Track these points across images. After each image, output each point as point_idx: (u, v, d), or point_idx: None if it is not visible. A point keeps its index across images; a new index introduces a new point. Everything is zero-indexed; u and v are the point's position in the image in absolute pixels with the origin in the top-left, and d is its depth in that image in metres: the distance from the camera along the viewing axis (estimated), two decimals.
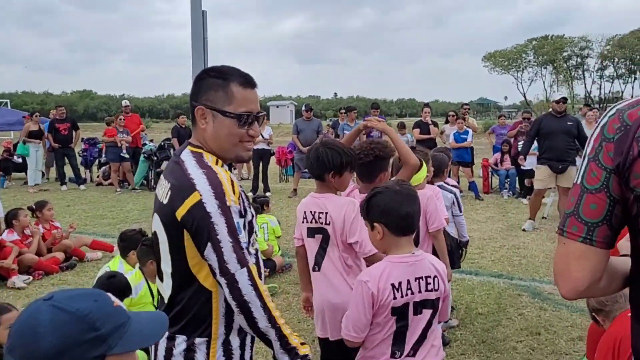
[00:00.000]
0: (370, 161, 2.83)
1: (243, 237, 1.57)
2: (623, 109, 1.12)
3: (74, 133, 11.86)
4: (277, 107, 65.02)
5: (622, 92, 60.65)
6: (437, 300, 2.03)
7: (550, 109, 7.60)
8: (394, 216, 1.99)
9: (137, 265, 4.14)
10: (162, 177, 1.70)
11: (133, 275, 3.99)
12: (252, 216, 1.69)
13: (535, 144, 7.73)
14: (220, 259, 1.52)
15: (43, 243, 6.09)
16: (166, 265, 1.63)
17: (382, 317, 1.98)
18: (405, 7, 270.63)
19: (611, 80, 60.75)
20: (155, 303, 4.07)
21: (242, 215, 1.60)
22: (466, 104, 12.25)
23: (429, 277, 2.01)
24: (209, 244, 1.51)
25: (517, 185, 10.49)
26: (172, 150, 12.02)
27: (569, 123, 7.23)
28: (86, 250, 6.40)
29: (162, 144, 12.27)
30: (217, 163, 1.63)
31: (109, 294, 1.12)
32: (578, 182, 1.16)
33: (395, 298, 1.96)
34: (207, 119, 1.64)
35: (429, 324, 2.02)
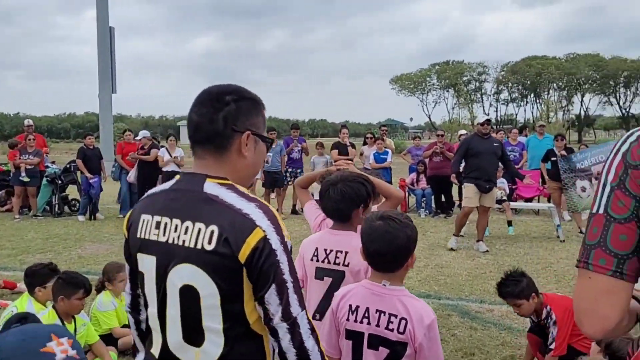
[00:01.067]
0: None
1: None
2: None
3: None
4: None
5: (516, 115, 65.53)
6: (399, 345, 1.87)
7: (468, 131, 7.93)
8: (364, 249, 1.95)
9: (49, 303, 3.74)
10: (169, 218, 1.42)
11: (46, 315, 3.58)
12: None
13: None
14: (285, 302, 1.33)
15: None
16: (213, 322, 1.37)
17: (340, 337, 1.95)
18: (316, 30, 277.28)
19: (506, 104, 65.49)
20: None
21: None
22: (384, 125, 12.63)
23: (394, 315, 1.88)
24: (274, 286, 1.33)
25: (433, 204, 10.85)
26: (78, 174, 11.27)
27: (494, 144, 7.60)
28: None
29: (68, 166, 11.48)
30: None
31: (54, 337, 1.12)
32: (601, 212, 1.08)
33: (348, 320, 1.91)
34: (249, 146, 1.47)
35: None
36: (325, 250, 2.32)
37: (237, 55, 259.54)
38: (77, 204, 11.31)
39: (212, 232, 1.34)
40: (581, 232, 8.46)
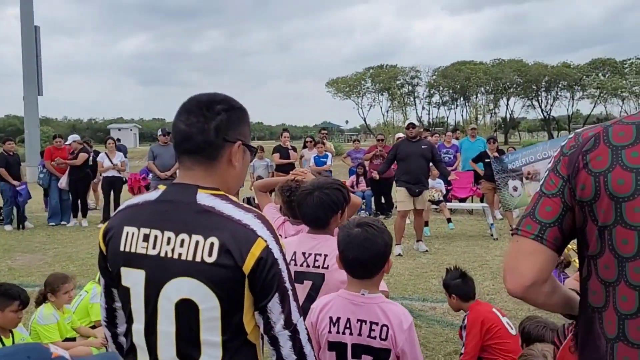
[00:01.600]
0: None
1: None
2: (579, 132, 1.31)
3: None
4: (119, 130, 61.71)
5: (447, 118, 67.87)
6: (383, 352, 1.91)
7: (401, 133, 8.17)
8: (342, 258, 1.96)
9: None
10: (160, 231, 1.37)
11: None
12: None
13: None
14: (287, 310, 1.35)
15: None
16: (212, 335, 1.34)
17: (321, 349, 1.95)
18: (252, 32, 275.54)
19: (437, 107, 67.65)
20: None
21: None
22: (324, 129, 12.76)
23: (375, 323, 1.90)
24: (277, 294, 1.34)
25: (373, 206, 11.07)
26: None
27: (423, 147, 7.75)
28: None
29: None
30: None
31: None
32: (537, 190, 1.31)
33: (330, 332, 1.93)
34: (238, 156, 1.45)
35: None
36: (304, 253, 2.31)
37: (170, 57, 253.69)
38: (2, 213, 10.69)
39: (212, 244, 1.32)
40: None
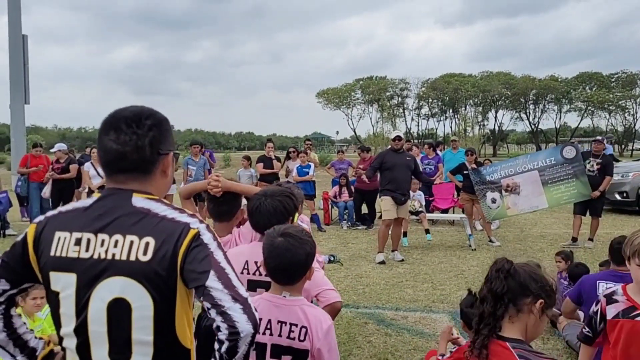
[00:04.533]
0: (229, 199, 2.80)
1: None
2: None
3: None
4: None
5: (436, 129, 68.33)
6: (302, 352, 1.97)
7: (389, 145, 8.28)
8: (266, 264, 2.05)
9: None
10: (93, 234, 1.41)
11: None
12: None
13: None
14: (230, 287, 1.38)
15: None
16: (143, 334, 1.38)
17: None
18: (245, 43, 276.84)
19: (427, 118, 68.09)
20: None
21: None
22: (309, 140, 12.88)
23: (295, 325, 1.98)
24: (212, 272, 1.38)
25: (354, 216, 11.17)
26: None
27: (407, 158, 7.99)
28: None
29: None
30: None
31: None
32: None
33: None
34: (171, 166, 1.56)
35: None
36: (256, 262, 2.33)
37: (162, 66, 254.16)
38: None
39: (148, 243, 1.38)
40: (491, 241, 9.01)
